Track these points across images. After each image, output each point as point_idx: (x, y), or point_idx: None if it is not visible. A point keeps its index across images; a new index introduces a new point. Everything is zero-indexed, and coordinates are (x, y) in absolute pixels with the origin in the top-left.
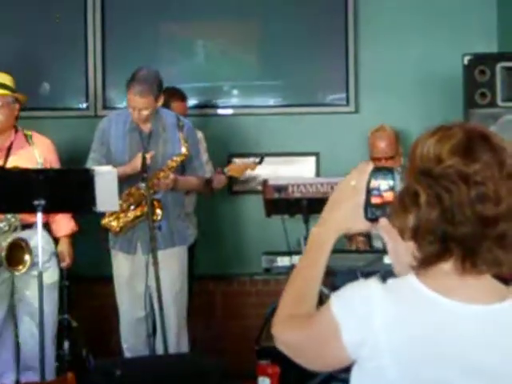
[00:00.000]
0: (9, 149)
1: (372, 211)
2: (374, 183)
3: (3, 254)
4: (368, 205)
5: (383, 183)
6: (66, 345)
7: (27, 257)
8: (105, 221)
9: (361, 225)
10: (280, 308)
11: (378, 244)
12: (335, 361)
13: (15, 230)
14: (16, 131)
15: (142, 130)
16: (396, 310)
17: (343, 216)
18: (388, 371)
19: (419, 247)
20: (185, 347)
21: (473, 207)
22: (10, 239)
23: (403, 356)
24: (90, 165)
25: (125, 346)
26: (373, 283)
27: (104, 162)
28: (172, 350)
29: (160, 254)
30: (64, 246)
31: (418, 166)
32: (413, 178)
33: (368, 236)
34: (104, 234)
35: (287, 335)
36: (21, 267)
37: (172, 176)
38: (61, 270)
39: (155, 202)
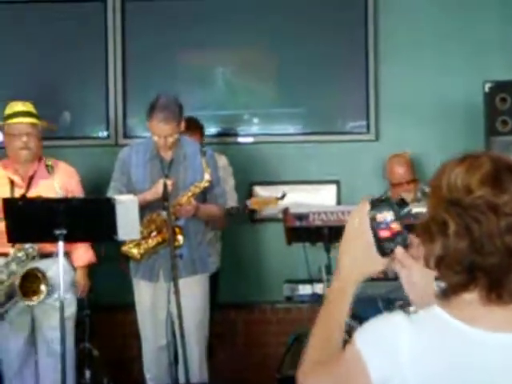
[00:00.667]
0: (31, 178)
1: (386, 245)
2: (380, 217)
3: (17, 283)
4: (379, 241)
5: (388, 215)
6: (88, 374)
7: (43, 287)
8: (125, 248)
9: (377, 265)
10: (306, 356)
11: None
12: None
13: (33, 259)
14: (39, 160)
15: (163, 158)
16: (422, 342)
17: (356, 261)
18: None
19: (445, 276)
20: (205, 376)
21: (502, 238)
22: (25, 269)
23: None
24: (110, 194)
25: (148, 375)
26: (397, 316)
27: (125, 192)
28: (194, 379)
29: (182, 281)
30: (80, 277)
31: (446, 195)
32: (440, 207)
33: None
34: (124, 260)
35: (316, 381)
36: (35, 298)
37: (194, 203)
38: (81, 299)
39: (177, 229)
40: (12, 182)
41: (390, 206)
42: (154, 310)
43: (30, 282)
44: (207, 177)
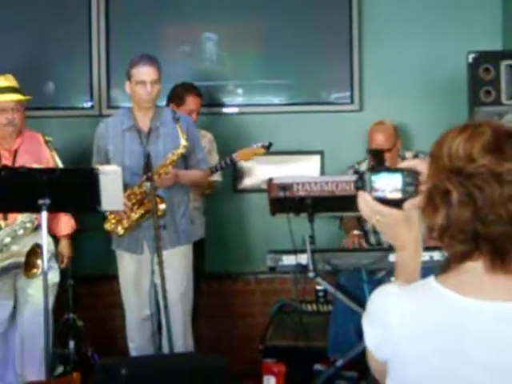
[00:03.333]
0: (15, 151)
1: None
2: (378, 185)
3: (21, 258)
4: (391, 202)
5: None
6: (72, 344)
7: (39, 261)
8: (109, 227)
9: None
10: None
11: (372, 240)
12: (381, 370)
13: (29, 234)
14: (21, 133)
15: (141, 129)
16: (411, 306)
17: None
18: (409, 368)
19: (448, 246)
20: (190, 346)
21: (505, 206)
22: (24, 243)
23: (421, 351)
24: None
25: (131, 345)
26: (390, 286)
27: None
28: (178, 348)
29: (166, 253)
30: (64, 246)
31: (447, 164)
32: (442, 177)
33: (364, 232)
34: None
35: None
36: (35, 271)
37: (173, 171)
38: (65, 269)
39: (158, 199)
40: None
41: (378, 172)
42: (137, 281)
43: (30, 257)
44: (183, 142)
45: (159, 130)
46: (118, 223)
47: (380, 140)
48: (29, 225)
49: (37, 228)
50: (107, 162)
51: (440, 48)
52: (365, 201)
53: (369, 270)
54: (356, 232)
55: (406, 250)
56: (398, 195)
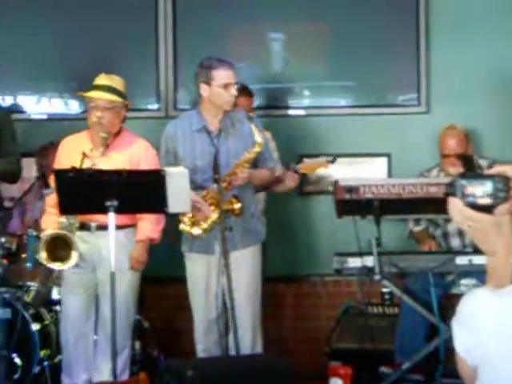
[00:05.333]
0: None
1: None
2: (470, 190)
3: (43, 245)
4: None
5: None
6: (138, 345)
7: (74, 253)
8: (184, 228)
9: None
10: None
11: (455, 242)
12: (470, 374)
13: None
14: (117, 135)
15: (210, 130)
16: (503, 312)
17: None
18: (499, 374)
19: None
20: (259, 348)
21: None
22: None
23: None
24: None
25: (199, 347)
26: (480, 290)
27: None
28: (246, 350)
29: (237, 253)
30: (135, 251)
31: None
32: None
33: (445, 234)
34: (173, 233)
35: None
36: (64, 263)
37: (248, 170)
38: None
39: (233, 199)
40: (84, 154)
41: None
42: (206, 282)
43: (60, 248)
44: (259, 139)
45: (229, 130)
46: (193, 224)
47: (452, 145)
48: (72, 220)
49: (105, 227)
50: (176, 163)
51: (508, 50)
52: (456, 206)
53: (435, 272)
54: (431, 241)
55: (497, 256)
56: (488, 201)
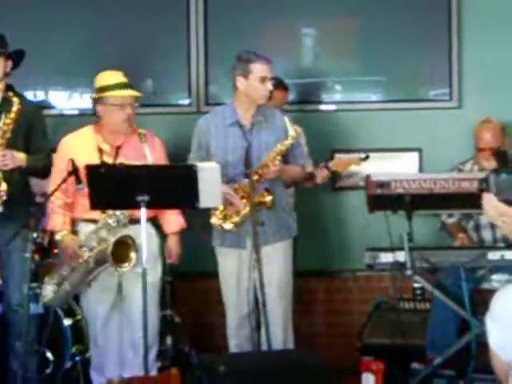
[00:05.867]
0: (118, 147)
1: None
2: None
3: (109, 249)
4: None
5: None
6: (169, 340)
7: (133, 254)
8: (216, 222)
9: None
10: None
11: (486, 235)
12: (504, 371)
13: (124, 226)
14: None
15: (243, 124)
16: None
17: None
18: None
19: None
20: (291, 343)
21: None
22: (117, 236)
23: None
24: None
25: (231, 343)
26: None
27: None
28: (278, 345)
29: (269, 248)
30: (172, 243)
31: None
32: None
33: (477, 227)
34: (204, 229)
35: None
36: (126, 264)
37: (279, 163)
38: (164, 266)
39: (264, 192)
40: (101, 150)
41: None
42: (239, 277)
43: (121, 249)
44: (292, 132)
45: (262, 124)
46: (225, 218)
47: (488, 139)
48: (121, 217)
49: (136, 221)
50: (208, 158)
51: None
52: (490, 202)
53: (467, 268)
54: (461, 235)
55: None
56: None
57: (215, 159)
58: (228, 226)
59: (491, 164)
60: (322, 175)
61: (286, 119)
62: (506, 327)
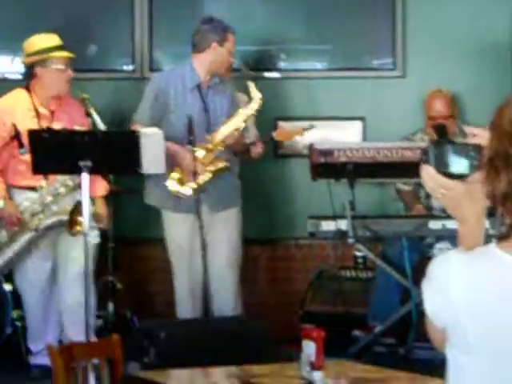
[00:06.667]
0: (52, 111)
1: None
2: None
3: (64, 216)
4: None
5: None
6: (111, 306)
7: (82, 218)
8: (172, 187)
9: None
10: None
11: (436, 203)
12: (439, 337)
13: (73, 190)
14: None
15: (202, 87)
16: (473, 277)
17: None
18: (469, 337)
19: (510, 212)
20: (239, 309)
21: None
22: (64, 202)
23: (482, 321)
24: (137, 119)
25: (183, 309)
26: (451, 252)
27: (151, 124)
28: (228, 312)
29: (221, 214)
30: (100, 207)
31: (508, 130)
32: (504, 142)
33: (428, 195)
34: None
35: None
36: (78, 228)
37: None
38: (105, 232)
39: (222, 158)
40: (38, 114)
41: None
42: (192, 244)
43: (73, 215)
44: (259, 96)
45: (217, 88)
46: (182, 183)
47: (438, 107)
48: (70, 182)
49: (75, 188)
50: (163, 114)
51: (486, 12)
52: (429, 174)
53: (412, 237)
54: (419, 205)
55: (468, 224)
56: (462, 169)
57: (174, 118)
58: (187, 191)
59: None
60: (256, 151)
61: (251, 84)
62: (440, 292)
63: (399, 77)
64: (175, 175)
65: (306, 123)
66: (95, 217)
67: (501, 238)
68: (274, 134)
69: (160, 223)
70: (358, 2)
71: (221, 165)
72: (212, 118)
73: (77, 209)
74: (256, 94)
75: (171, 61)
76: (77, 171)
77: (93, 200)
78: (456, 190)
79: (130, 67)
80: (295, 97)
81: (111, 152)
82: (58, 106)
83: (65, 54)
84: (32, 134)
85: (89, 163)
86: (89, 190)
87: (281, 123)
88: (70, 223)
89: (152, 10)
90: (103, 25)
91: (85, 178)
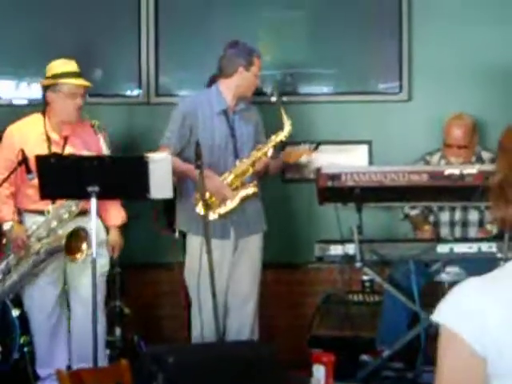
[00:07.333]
0: (66, 137)
1: None
2: None
3: (63, 242)
4: None
5: None
6: (118, 331)
7: (85, 245)
8: (201, 211)
9: None
10: None
11: (445, 233)
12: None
13: (76, 216)
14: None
15: (229, 112)
16: (505, 300)
17: None
18: (495, 364)
19: None
20: (256, 334)
21: None
22: (70, 227)
23: (499, 342)
24: (165, 144)
25: (195, 333)
26: (474, 281)
27: (178, 149)
28: (246, 337)
29: (247, 239)
30: (114, 236)
31: None
32: None
33: (436, 223)
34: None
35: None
36: (78, 255)
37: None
38: (111, 257)
39: (252, 184)
40: (49, 139)
41: None
42: (219, 269)
43: (73, 241)
44: (289, 125)
45: (243, 114)
46: (209, 207)
47: (457, 136)
48: (74, 208)
49: (84, 213)
50: (190, 138)
51: (491, 37)
52: None
53: (420, 261)
54: (427, 227)
55: None
56: None
57: (202, 142)
58: (212, 216)
59: (458, 160)
60: (275, 165)
61: (282, 110)
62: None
63: (405, 100)
64: (203, 200)
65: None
66: (108, 246)
67: None
68: (281, 156)
69: (166, 248)
70: (365, 25)
71: (250, 190)
72: (239, 143)
73: (77, 235)
74: (287, 121)
75: (177, 86)
76: (85, 196)
77: (107, 228)
78: None
79: (137, 92)
80: (301, 121)
81: (119, 177)
82: (72, 131)
83: (73, 80)
84: (39, 159)
85: (97, 188)
86: (104, 217)
87: (288, 148)
88: (69, 249)
89: (158, 35)
90: (109, 50)
91: (93, 203)
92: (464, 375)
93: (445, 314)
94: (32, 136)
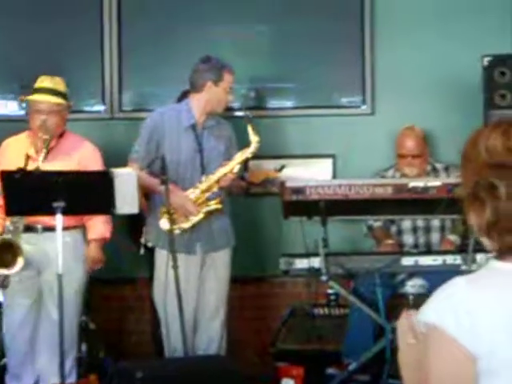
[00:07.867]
0: (46, 153)
1: None
2: None
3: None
4: None
5: None
6: (84, 347)
7: (20, 259)
8: (166, 226)
9: None
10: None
11: (409, 240)
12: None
13: (20, 232)
14: (60, 136)
15: (197, 128)
16: (483, 298)
17: None
18: (486, 361)
19: (498, 240)
20: (224, 349)
21: None
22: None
23: (490, 340)
24: (134, 159)
25: (168, 347)
26: (457, 279)
27: (145, 164)
28: (212, 351)
29: (218, 254)
30: (90, 251)
31: (486, 159)
32: (484, 172)
33: (399, 232)
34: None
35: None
36: (10, 269)
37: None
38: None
39: (218, 199)
40: (27, 156)
41: None
42: (185, 285)
43: (8, 253)
44: (256, 140)
45: (213, 130)
46: (173, 222)
47: (410, 146)
48: (19, 224)
49: (52, 229)
50: (157, 153)
51: (452, 51)
52: (409, 321)
53: (385, 273)
54: (390, 241)
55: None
56: None
57: (167, 157)
58: (176, 230)
59: (413, 170)
60: (237, 185)
61: (250, 127)
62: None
63: (368, 114)
64: (168, 214)
65: (276, 162)
66: (87, 260)
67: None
68: (247, 176)
69: (131, 263)
70: (327, 40)
71: (213, 206)
72: (206, 159)
73: (10, 247)
74: (254, 138)
75: (141, 101)
76: (51, 212)
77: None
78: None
79: (100, 108)
80: (265, 135)
81: (85, 192)
82: (56, 145)
83: (35, 96)
84: (3, 174)
85: (62, 204)
86: (87, 230)
87: (252, 162)
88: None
89: (121, 51)
90: (72, 65)
91: (58, 219)
92: (455, 374)
93: (433, 314)
94: (15, 153)
